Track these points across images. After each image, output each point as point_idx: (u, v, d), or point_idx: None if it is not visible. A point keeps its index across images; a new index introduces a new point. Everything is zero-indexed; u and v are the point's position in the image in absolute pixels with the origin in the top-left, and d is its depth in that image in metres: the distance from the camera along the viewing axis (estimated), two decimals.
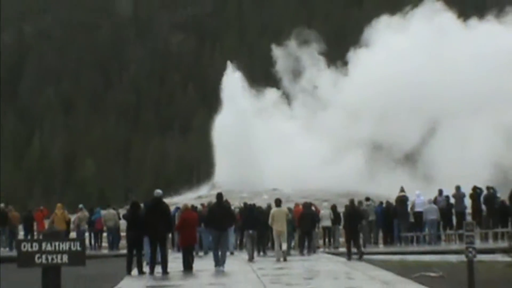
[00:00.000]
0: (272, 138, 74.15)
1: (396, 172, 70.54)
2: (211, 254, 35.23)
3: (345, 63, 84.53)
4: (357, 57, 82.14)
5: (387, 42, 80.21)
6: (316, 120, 79.30)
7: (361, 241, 36.83)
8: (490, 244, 35.67)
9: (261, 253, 36.39)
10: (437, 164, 70.96)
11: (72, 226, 40.72)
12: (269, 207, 37.80)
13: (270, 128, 75.62)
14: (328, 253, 37.13)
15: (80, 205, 43.55)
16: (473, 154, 68.37)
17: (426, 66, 74.52)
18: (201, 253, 35.85)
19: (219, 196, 31.33)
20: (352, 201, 35.38)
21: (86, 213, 42.02)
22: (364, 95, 75.92)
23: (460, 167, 63.52)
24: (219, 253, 28.84)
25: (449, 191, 41.31)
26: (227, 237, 31.09)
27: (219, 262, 28.45)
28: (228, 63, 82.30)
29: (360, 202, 40.02)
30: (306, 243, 37.29)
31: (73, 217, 42.56)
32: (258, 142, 72.80)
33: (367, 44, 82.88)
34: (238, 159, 67.97)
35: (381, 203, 41.12)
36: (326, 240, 43.19)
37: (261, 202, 47.22)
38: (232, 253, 36.40)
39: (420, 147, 75.54)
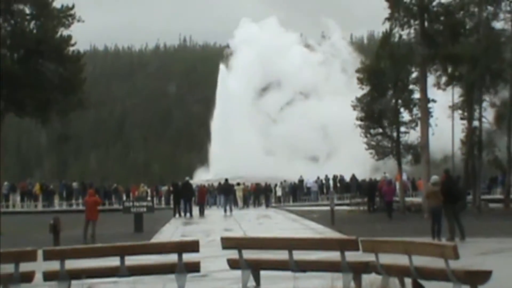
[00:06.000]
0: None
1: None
2: (213, 208, 34.84)
3: None
4: None
5: None
6: None
7: (272, 200, 36.82)
8: (341, 201, 35.67)
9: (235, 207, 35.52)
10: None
11: (137, 193, 38.42)
12: (235, 185, 36.34)
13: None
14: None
15: (142, 184, 42.00)
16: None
17: None
18: (208, 207, 35.58)
19: (226, 180, 31.24)
20: (266, 183, 36.71)
21: (145, 188, 40.68)
22: None
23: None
24: (227, 206, 28.20)
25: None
26: (232, 199, 30.53)
27: (227, 211, 27.69)
28: None
29: (281, 182, 39.54)
30: (256, 202, 36.97)
31: (148, 189, 41.29)
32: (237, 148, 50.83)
33: None
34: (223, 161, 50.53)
35: (291, 183, 40.41)
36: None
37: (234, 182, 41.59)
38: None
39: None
